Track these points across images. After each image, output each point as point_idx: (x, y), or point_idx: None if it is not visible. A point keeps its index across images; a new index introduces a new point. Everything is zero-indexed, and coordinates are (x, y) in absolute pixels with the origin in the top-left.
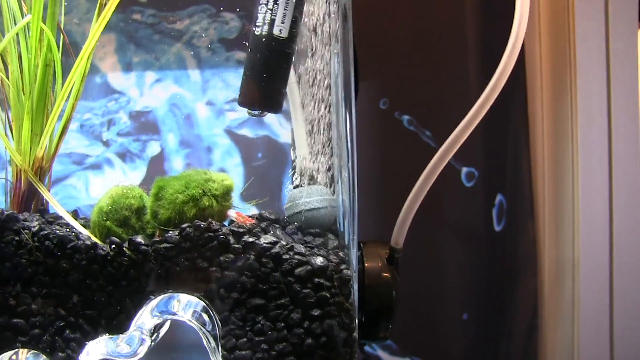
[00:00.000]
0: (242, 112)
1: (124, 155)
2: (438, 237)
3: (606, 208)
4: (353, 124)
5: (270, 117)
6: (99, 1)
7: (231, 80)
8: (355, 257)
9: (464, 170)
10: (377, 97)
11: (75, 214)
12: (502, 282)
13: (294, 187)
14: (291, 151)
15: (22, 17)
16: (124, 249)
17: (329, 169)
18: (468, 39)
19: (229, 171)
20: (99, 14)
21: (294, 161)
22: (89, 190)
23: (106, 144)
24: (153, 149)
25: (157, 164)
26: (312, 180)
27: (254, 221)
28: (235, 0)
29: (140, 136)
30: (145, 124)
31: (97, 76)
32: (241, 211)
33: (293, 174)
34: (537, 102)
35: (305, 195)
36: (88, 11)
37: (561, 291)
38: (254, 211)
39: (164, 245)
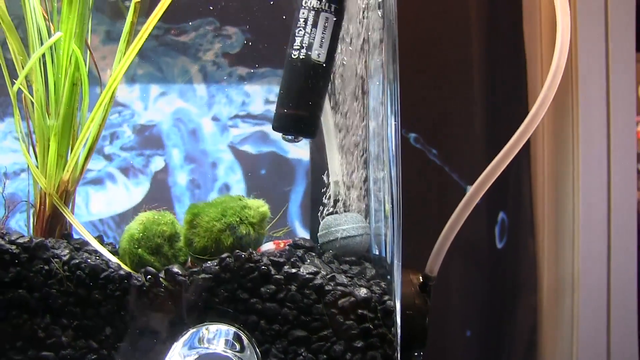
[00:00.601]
0: (245, 129)
1: (127, 170)
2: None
3: (605, 227)
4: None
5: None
6: (129, 19)
7: (234, 97)
8: (399, 287)
9: (469, 188)
10: None
11: (100, 239)
12: (504, 299)
13: (328, 214)
14: (325, 177)
15: (47, 31)
16: (160, 279)
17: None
18: (473, 56)
19: (233, 187)
20: (129, 34)
21: (327, 187)
22: (89, 206)
23: (108, 158)
24: (157, 164)
25: (160, 180)
26: (345, 206)
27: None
28: (239, 14)
29: (144, 151)
30: (149, 138)
31: (99, 88)
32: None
33: (327, 199)
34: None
35: (340, 223)
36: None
37: (560, 308)
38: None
39: (202, 275)
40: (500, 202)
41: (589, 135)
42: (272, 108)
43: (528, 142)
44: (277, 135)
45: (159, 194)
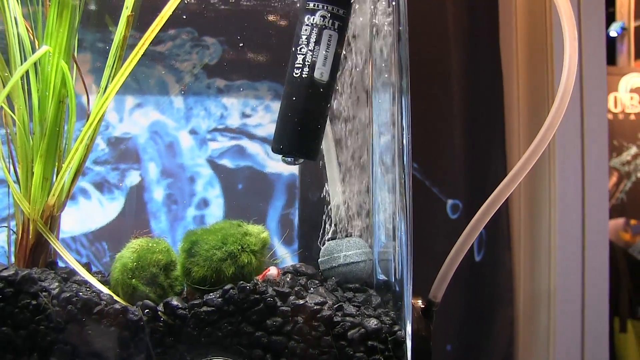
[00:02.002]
0: (224, 143)
1: (101, 185)
2: (423, 268)
3: (579, 242)
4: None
5: (254, 147)
6: (121, 33)
7: (212, 109)
8: (410, 316)
9: (450, 202)
10: None
11: (88, 267)
12: (482, 312)
13: (329, 239)
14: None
15: (30, 44)
16: (159, 313)
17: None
18: (452, 70)
19: (211, 202)
20: (121, 48)
21: (328, 210)
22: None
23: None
24: (132, 178)
25: (136, 195)
26: (348, 230)
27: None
28: (216, 24)
29: (119, 165)
30: (124, 152)
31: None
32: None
33: (328, 224)
34: (514, 139)
35: (343, 249)
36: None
37: (537, 321)
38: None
39: (204, 308)
40: None
41: (563, 150)
42: (248, 122)
43: (505, 156)
44: (255, 149)
45: (134, 210)
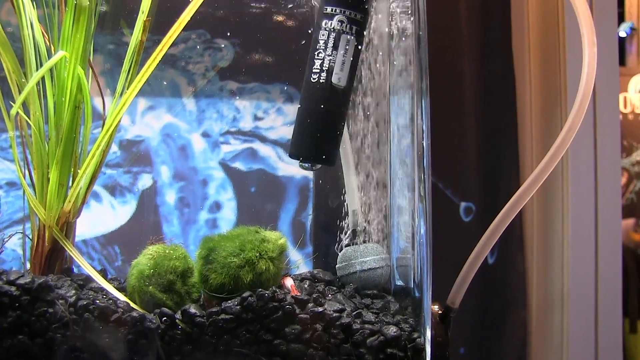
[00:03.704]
0: (236, 145)
1: (113, 189)
2: (436, 272)
3: (593, 244)
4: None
5: (266, 150)
6: (138, 38)
7: (225, 112)
8: (430, 322)
9: (463, 205)
10: None
11: (104, 273)
12: (495, 315)
13: (346, 245)
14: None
15: (46, 49)
16: (177, 321)
17: (384, 225)
18: (465, 72)
19: (224, 205)
20: (137, 54)
21: (346, 216)
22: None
23: None
24: (144, 181)
25: (148, 198)
26: (366, 235)
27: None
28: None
29: (131, 168)
30: (137, 155)
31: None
32: (289, 271)
33: (345, 230)
34: (527, 141)
35: (361, 255)
36: None
37: (550, 324)
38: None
39: (222, 316)
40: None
41: (577, 151)
42: (261, 124)
43: (517, 157)
44: (267, 152)
45: (147, 214)
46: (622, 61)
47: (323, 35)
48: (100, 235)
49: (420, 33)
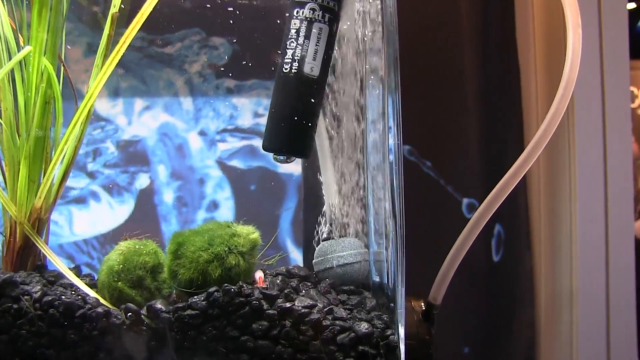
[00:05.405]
0: (234, 143)
1: (111, 188)
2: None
3: (603, 239)
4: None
5: None
6: (106, 31)
7: (221, 110)
8: (403, 320)
9: (465, 201)
10: None
11: (77, 270)
12: (501, 314)
13: (324, 239)
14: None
15: (17, 47)
16: (142, 316)
17: (362, 219)
18: (466, 67)
19: (221, 204)
20: (107, 48)
21: (322, 209)
22: (72, 226)
23: (92, 175)
24: (142, 181)
25: (146, 198)
26: (343, 229)
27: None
28: (225, 24)
29: (128, 167)
30: (134, 154)
31: (81, 101)
32: (264, 267)
33: (322, 224)
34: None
35: (339, 250)
36: (70, 32)
37: (558, 323)
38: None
39: (188, 312)
40: (496, 214)
41: (584, 145)
42: (261, 121)
43: (522, 149)
44: None
45: (145, 213)
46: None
47: (295, 24)
48: (100, 235)
49: (391, 29)
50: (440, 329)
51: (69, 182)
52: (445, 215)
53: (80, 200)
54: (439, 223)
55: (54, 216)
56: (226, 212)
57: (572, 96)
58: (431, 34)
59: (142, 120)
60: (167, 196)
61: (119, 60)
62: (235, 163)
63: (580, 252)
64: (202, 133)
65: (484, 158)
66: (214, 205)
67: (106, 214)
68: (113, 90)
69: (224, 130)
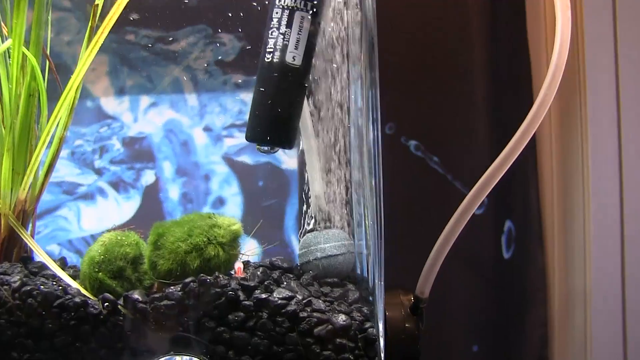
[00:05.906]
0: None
1: (117, 185)
2: (447, 266)
3: (618, 235)
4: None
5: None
6: (89, 24)
7: (228, 105)
8: (382, 313)
9: None
10: (383, 122)
11: (63, 262)
12: (512, 312)
13: (308, 231)
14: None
15: (1, 41)
16: (119, 306)
17: (347, 203)
18: (475, 62)
19: (227, 200)
20: (89, 40)
21: (308, 199)
22: (80, 221)
23: (98, 172)
24: (148, 177)
25: (152, 194)
26: (328, 221)
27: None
28: (232, 20)
29: (134, 164)
30: (139, 151)
31: (89, 100)
32: (248, 258)
33: (308, 216)
34: (545, 128)
35: (322, 241)
36: (79, 32)
37: (572, 322)
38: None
39: (165, 302)
40: (507, 210)
41: (598, 140)
42: None
43: (534, 144)
44: None
45: (151, 209)
46: None
47: (277, 13)
48: (106, 231)
49: (371, 26)
50: (448, 326)
51: (77, 179)
52: (453, 211)
53: (88, 197)
54: (447, 219)
55: (64, 212)
56: (234, 208)
57: (584, 87)
58: (439, 30)
59: (148, 117)
60: (173, 192)
61: (125, 58)
62: (244, 158)
63: (595, 249)
64: (207, 129)
65: (494, 155)
66: (220, 202)
67: (113, 210)
68: (119, 89)
69: (232, 126)
